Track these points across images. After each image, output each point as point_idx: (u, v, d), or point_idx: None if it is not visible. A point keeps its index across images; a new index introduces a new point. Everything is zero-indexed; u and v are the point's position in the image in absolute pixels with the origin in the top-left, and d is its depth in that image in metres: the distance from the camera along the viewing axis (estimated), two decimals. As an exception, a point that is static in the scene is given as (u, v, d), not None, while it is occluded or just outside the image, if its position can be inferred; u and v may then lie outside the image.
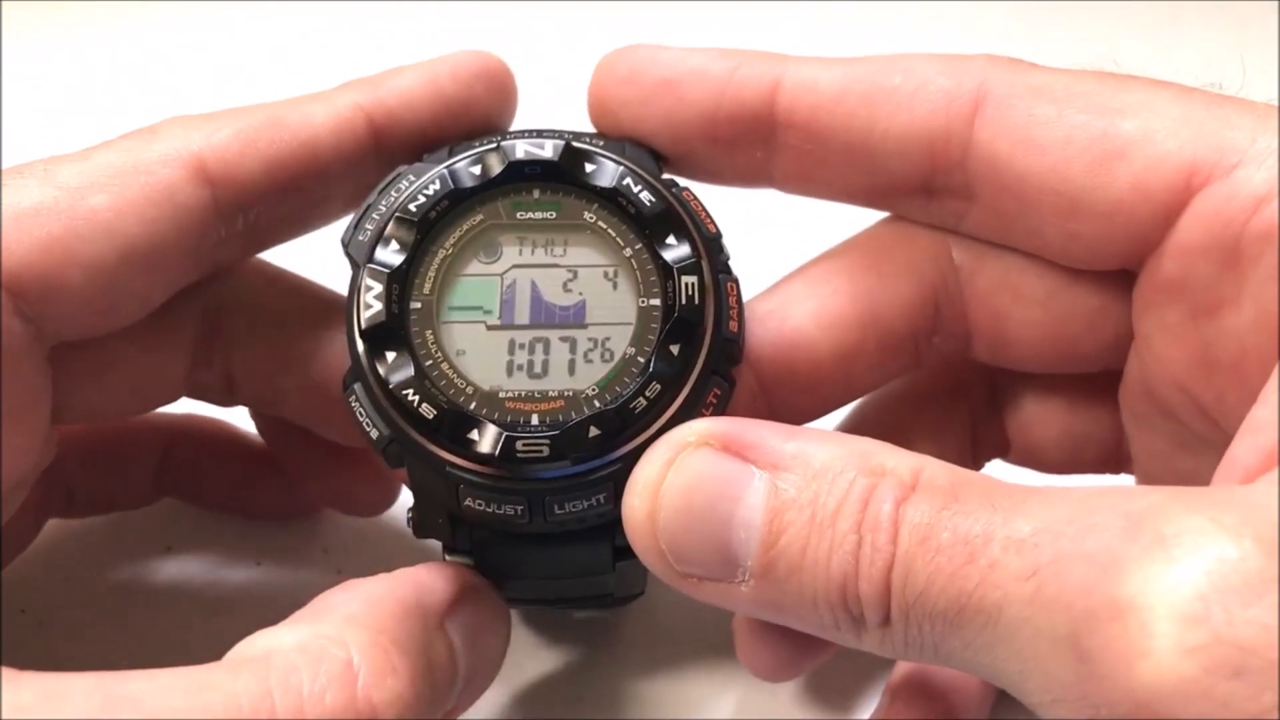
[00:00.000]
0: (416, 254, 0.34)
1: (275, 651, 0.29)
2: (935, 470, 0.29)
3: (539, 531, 0.34)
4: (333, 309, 0.39)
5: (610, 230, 0.35)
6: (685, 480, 0.31)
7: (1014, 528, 0.27)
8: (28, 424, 0.34)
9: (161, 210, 0.34)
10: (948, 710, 0.39)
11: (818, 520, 0.29)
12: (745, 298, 0.36)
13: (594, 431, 0.32)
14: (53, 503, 0.43)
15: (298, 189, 0.36)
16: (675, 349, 0.33)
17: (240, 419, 0.47)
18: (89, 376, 0.37)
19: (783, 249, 0.41)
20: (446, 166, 0.35)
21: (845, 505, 0.29)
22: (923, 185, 0.36)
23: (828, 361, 0.37)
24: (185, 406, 0.45)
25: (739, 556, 0.30)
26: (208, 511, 0.47)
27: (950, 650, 0.28)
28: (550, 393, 0.34)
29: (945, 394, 0.42)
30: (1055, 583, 0.26)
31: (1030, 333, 0.37)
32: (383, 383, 0.33)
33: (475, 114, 0.37)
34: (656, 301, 0.34)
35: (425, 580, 0.33)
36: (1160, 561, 0.25)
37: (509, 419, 0.33)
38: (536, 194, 0.35)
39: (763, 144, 0.37)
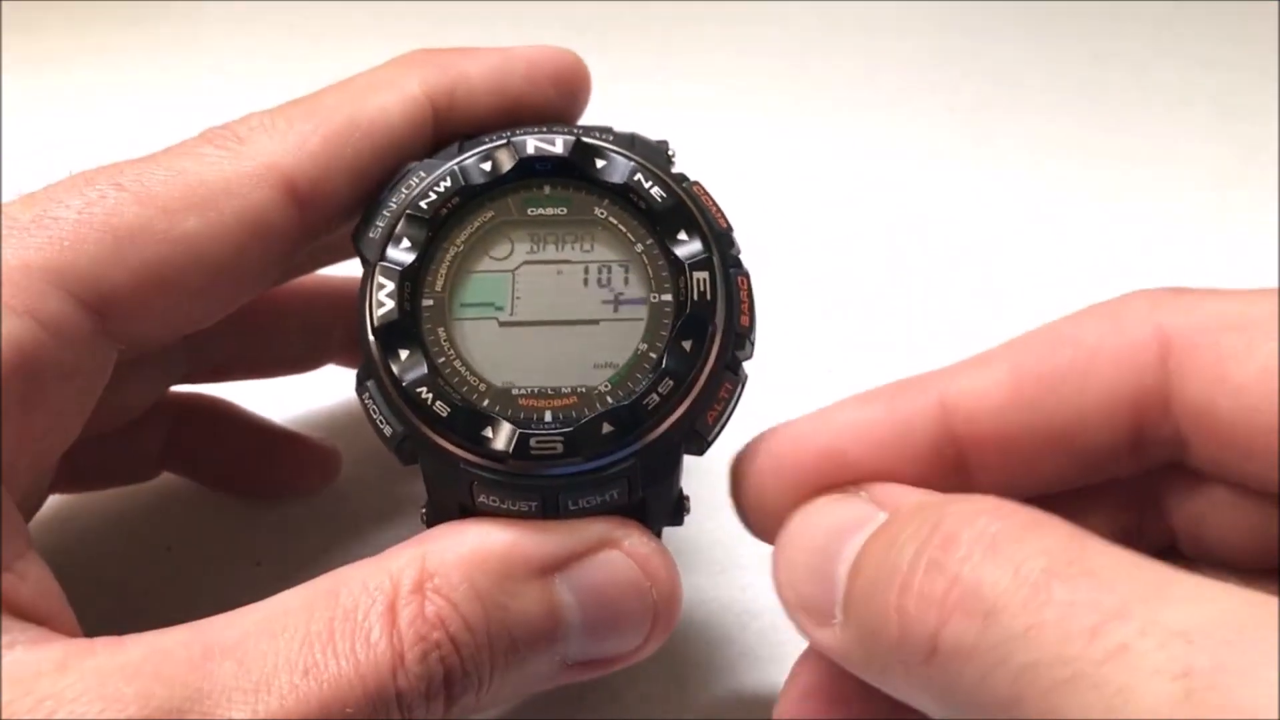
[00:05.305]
0: (428, 251, 0.34)
1: (343, 588, 0.31)
2: (1057, 530, 0.27)
3: None
4: None
5: (621, 226, 0.35)
6: (809, 515, 0.32)
7: (1163, 615, 0.24)
8: (79, 425, 0.34)
9: (254, 236, 0.33)
10: None
11: (887, 551, 0.28)
12: (760, 293, 0.36)
13: (607, 428, 0.32)
14: (58, 475, 0.43)
15: (369, 193, 0.36)
16: (687, 345, 0.33)
17: (245, 398, 0.47)
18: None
19: (794, 244, 0.41)
20: (457, 163, 0.35)
21: (916, 535, 0.28)
22: (1133, 445, 0.33)
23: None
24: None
25: (837, 594, 0.30)
26: (208, 511, 0.47)
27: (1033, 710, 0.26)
28: (563, 389, 0.33)
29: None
30: (1216, 695, 0.23)
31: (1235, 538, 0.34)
32: (396, 381, 0.33)
33: (535, 110, 0.37)
34: (668, 297, 0.34)
35: (531, 533, 0.32)
36: None
37: (522, 416, 0.33)
38: (547, 190, 0.35)
39: (954, 472, 0.34)
